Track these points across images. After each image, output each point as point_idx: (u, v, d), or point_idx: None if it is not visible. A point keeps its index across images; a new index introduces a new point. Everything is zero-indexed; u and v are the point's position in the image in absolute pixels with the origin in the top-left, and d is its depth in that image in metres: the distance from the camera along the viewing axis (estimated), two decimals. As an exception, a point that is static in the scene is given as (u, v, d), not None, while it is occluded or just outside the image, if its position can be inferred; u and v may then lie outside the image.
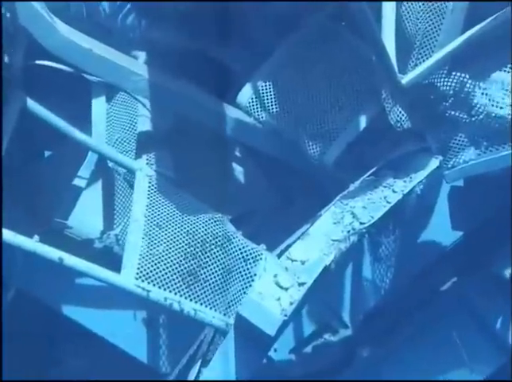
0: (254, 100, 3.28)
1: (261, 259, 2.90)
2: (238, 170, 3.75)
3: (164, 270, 2.71)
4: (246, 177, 3.72)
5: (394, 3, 2.77)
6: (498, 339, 3.63)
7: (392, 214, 3.02)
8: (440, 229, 3.57)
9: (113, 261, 2.87)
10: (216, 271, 2.84)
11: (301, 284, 2.43)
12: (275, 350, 3.51)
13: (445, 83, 2.84)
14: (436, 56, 2.73)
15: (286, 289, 2.41)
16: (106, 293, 3.19)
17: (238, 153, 3.77)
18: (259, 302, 2.33)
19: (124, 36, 3.80)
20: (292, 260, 2.49)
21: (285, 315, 2.34)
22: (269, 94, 3.27)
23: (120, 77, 2.99)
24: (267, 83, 3.27)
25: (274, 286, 2.41)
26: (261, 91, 3.27)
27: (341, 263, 2.93)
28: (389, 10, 2.76)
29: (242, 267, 2.89)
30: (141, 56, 3.57)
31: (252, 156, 3.67)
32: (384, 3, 2.78)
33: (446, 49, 2.72)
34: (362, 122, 3.08)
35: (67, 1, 3.64)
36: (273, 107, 3.25)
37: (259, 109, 3.28)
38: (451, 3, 2.89)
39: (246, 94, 3.31)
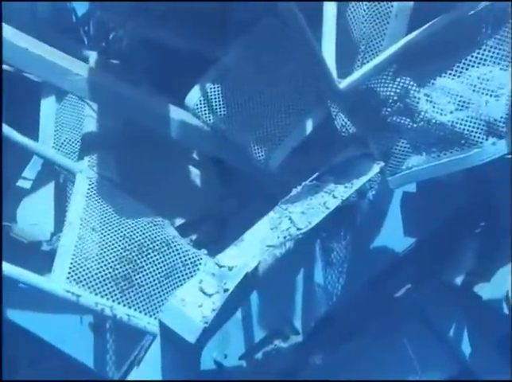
0: (202, 103, 3.25)
1: (200, 264, 2.85)
2: (195, 173, 3.71)
3: (96, 274, 2.68)
4: (203, 181, 3.69)
5: (336, 7, 2.73)
6: (450, 347, 3.61)
7: (337, 218, 2.99)
8: (393, 236, 3.55)
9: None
10: (153, 276, 2.80)
11: (226, 290, 2.39)
12: (225, 356, 3.49)
13: (387, 89, 2.81)
14: (373, 62, 2.70)
15: (210, 295, 2.37)
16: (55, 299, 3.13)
17: (195, 157, 3.74)
18: (180, 309, 2.29)
19: (93, 39, 3.78)
20: (220, 266, 2.46)
21: (206, 322, 2.31)
22: (217, 97, 3.25)
23: (57, 76, 2.94)
24: (215, 86, 3.24)
25: (198, 293, 2.37)
26: (209, 94, 3.24)
27: (285, 266, 2.90)
28: (329, 13, 2.73)
29: (181, 271, 2.86)
30: (92, 55, 3.54)
31: (208, 160, 3.64)
32: (325, 6, 2.74)
33: (384, 55, 2.69)
34: (309, 126, 3.05)
35: (52, 1, 3.62)
36: (221, 110, 3.22)
37: (207, 112, 3.25)
38: (395, 8, 2.85)
39: (194, 96, 3.29)
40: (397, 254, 3.56)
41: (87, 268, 2.65)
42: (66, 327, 3.37)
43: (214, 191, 3.62)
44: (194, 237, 3.52)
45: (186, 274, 2.84)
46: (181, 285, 2.80)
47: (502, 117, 2.71)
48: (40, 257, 3.24)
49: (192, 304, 2.32)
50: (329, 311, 3.54)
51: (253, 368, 3.48)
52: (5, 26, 2.85)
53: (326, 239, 3.51)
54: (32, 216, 3.42)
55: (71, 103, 3.47)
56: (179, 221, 3.53)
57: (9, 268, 2.52)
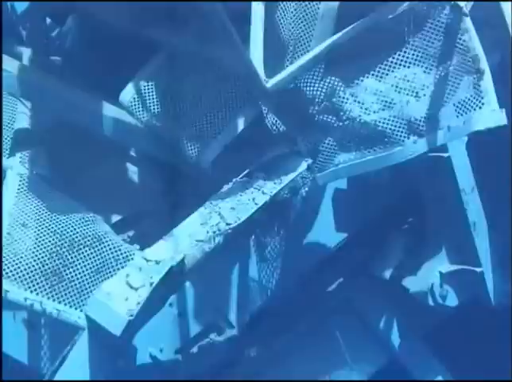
0: (136, 100, 3.28)
1: (132, 259, 2.89)
2: (132, 170, 3.73)
3: (25, 269, 2.68)
4: (138, 178, 3.71)
5: (264, 7, 2.80)
6: (379, 339, 3.72)
7: (268, 214, 3.06)
8: (325, 231, 3.63)
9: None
10: (84, 271, 2.83)
11: (152, 284, 2.43)
12: (161, 350, 3.52)
13: (314, 88, 2.89)
14: (299, 61, 2.79)
15: (136, 289, 2.41)
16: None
17: (132, 153, 3.76)
18: (105, 302, 2.33)
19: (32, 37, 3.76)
20: (148, 260, 2.50)
21: (131, 315, 2.35)
22: (151, 94, 3.28)
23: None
24: (149, 83, 3.27)
25: (125, 286, 2.41)
26: (143, 91, 3.27)
27: (220, 261, 2.96)
28: (257, 14, 2.80)
29: (113, 267, 2.89)
30: (26, 52, 3.53)
31: (145, 157, 3.66)
32: (253, 7, 2.81)
33: (310, 54, 2.77)
34: (240, 124, 3.11)
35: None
36: (155, 107, 3.26)
37: (141, 109, 3.28)
38: (321, 10, 2.94)
39: (128, 93, 3.31)
40: (330, 249, 3.65)
41: (16, 263, 2.66)
42: (-2, 324, 3.34)
43: (151, 187, 3.65)
44: (131, 233, 3.54)
45: (118, 269, 2.87)
46: (114, 279, 2.81)
47: (422, 116, 2.82)
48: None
49: (117, 297, 2.36)
50: (263, 305, 3.59)
51: (188, 362, 3.52)
52: None
53: (260, 234, 3.57)
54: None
55: (5, 100, 3.45)
56: (116, 218, 3.55)
57: None
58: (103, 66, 3.62)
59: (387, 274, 3.59)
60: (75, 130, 3.41)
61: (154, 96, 3.24)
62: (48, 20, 3.95)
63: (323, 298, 3.71)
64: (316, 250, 3.65)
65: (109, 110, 3.20)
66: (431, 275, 3.48)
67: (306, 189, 3.45)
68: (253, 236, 3.58)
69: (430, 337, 3.76)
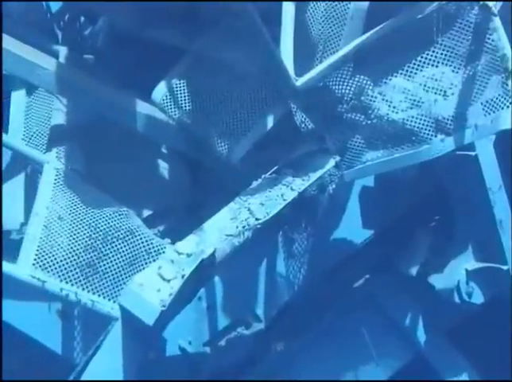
0: (168, 97, 3.35)
1: (164, 252, 2.96)
2: (163, 166, 3.81)
3: (62, 261, 2.78)
4: (170, 174, 3.78)
5: (294, 6, 2.86)
6: (404, 335, 3.75)
7: (296, 210, 3.12)
8: (351, 228, 3.67)
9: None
10: (117, 264, 2.91)
11: (184, 276, 2.50)
12: (190, 343, 3.59)
13: (343, 87, 2.94)
14: (329, 61, 2.84)
15: (168, 281, 2.49)
16: (21, 284, 3.22)
17: (163, 150, 3.84)
18: (138, 293, 2.41)
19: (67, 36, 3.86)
20: (179, 253, 2.57)
21: (164, 306, 2.42)
22: (182, 92, 3.35)
23: (25, 70, 3.03)
24: (181, 82, 3.34)
25: (157, 278, 2.49)
26: (175, 89, 3.34)
27: (248, 256, 3.02)
28: (288, 13, 2.85)
29: (145, 259, 2.96)
30: (62, 51, 3.62)
31: (175, 153, 3.74)
32: (284, 6, 2.87)
33: (339, 54, 2.82)
34: (269, 122, 3.16)
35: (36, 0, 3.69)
36: (186, 104, 3.33)
37: (172, 106, 3.35)
38: (351, 9, 2.99)
39: (160, 91, 3.39)
40: (356, 245, 3.69)
41: (53, 255, 2.75)
42: (35, 314, 3.44)
43: (181, 183, 3.72)
44: (161, 228, 3.61)
45: (150, 262, 2.95)
46: (146, 272, 2.89)
47: (449, 115, 2.86)
48: (11, 246, 3.30)
49: (150, 288, 2.44)
50: (290, 300, 3.64)
51: (216, 355, 3.58)
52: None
53: (288, 231, 3.62)
54: (3, 206, 3.48)
55: (41, 97, 3.55)
56: (146, 212, 3.63)
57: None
58: (134, 65, 3.69)
59: (413, 271, 3.62)
60: (109, 127, 3.49)
61: (185, 94, 3.31)
62: (82, 19, 4.03)
63: (349, 293, 3.74)
64: (343, 246, 3.69)
65: (142, 107, 3.27)
66: (457, 273, 3.51)
67: (333, 186, 3.49)
68: (280, 232, 3.63)
69: (455, 333, 3.77)
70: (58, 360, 3.49)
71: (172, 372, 3.57)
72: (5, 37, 2.99)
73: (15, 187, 3.57)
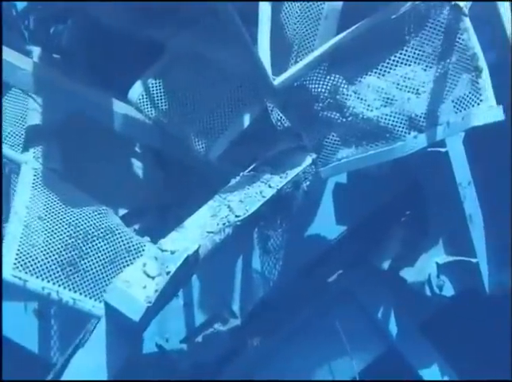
0: (145, 97, 3.37)
1: (143, 250, 2.99)
2: (137, 165, 3.82)
3: (43, 260, 2.78)
4: (144, 172, 3.79)
5: (270, 6, 2.91)
6: (377, 328, 3.83)
7: (272, 207, 3.17)
8: (325, 224, 3.74)
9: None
10: (98, 262, 2.92)
11: (168, 273, 2.54)
12: (167, 340, 3.62)
13: (319, 85, 3.00)
14: (305, 60, 2.90)
15: (153, 277, 2.52)
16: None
17: (137, 149, 3.85)
18: (124, 290, 2.43)
19: (34, 33, 3.83)
20: (163, 250, 2.60)
21: (149, 302, 2.45)
22: (159, 91, 3.37)
23: (4, 71, 3.02)
24: (157, 81, 3.36)
25: (142, 275, 2.52)
26: (151, 88, 3.36)
27: (225, 253, 3.06)
28: (264, 13, 2.90)
29: (125, 257, 2.98)
30: (35, 51, 3.61)
31: (150, 152, 3.75)
32: (260, 6, 2.91)
33: (314, 53, 2.88)
34: (246, 120, 3.21)
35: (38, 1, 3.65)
36: (163, 104, 3.34)
37: (149, 105, 3.37)
38: (325, 9, 3.05)
39: (136, 90, 3.40)
40: (330, 241, 3.77)
41: (34, 254, 2.75)
42: (10, 314, 3.43)
43: (155, 182, 3.74)
44: (137, 226, 3.63)
45: (130, 259, 2.97)
46: (126, 270, 2.91)
47: (422, 112, 2.94)
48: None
49: (135, 285, 2.46)
50: (266, 296, 3.69)
51: (193, 351, 3.62)
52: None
53: (263, 227, 3.67)
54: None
55: (14, 97, 3.52)
56: (122, 211, 3.64)
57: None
58: (107, 64, 3.69)
59: (386, 265, 3.71)
60: (84, 126, 3.49)
61: (162, 93, 3.32)
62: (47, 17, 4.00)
63: (323, 288, 3.81)
64: (317, 242, 3.76)
65: (119, 106, 3.29)
66: (428, 266, 3.60)
67: (307, 183, 3.55)
68: (256, 229, 3.68)
69: (427, 326, 3.87)
70: (35, 359, 3.48)
71: (150, 370, 3.58)
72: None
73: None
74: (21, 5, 3.94)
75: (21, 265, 2.71)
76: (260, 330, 3.73)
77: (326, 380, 3.68)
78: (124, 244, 2.98)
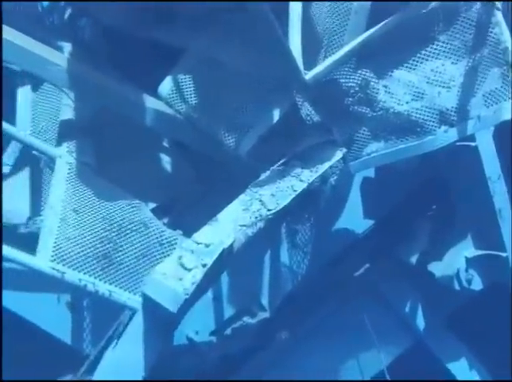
0: (174, 92, 3.40)
1: (176, 243, 3.03)
2: (166, 160, 3.86)
3: (79, 253, 2.83)
4: (173, 167, 3.84)
5: (301, 4, 2.94)
6: (405, 322, 3.84)
7: (301, 201, 3.20)
8: (353, 218, 3.76)
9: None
10: (132, 255, 2.97)
11: (204, 265, 2.58)
12: (196, 332, 3.66)
13: (349, 80, 3.02)
14: (336, 55, 2.92)
15: (189, 270, 2.56)
16: (31, 277, 3.27)
17: (165, 144, 3.89)
18: (162, 281, 2.47)
19: (59, 28, 3.88)
20: (198, 243, 2.64)
21: (187, 294, 2.49)
22: (188, 86, 3.39)
23: (37, 66, 3.07)
24: (187, 76, 3.39)
25: (178, 267, 2.56)
26: (181, 84, 3.39)
27: (253, 247, 3.09)
28: (296, 11, 2.93)
29: (158, 250, 3.02)
30: (66, 46, 3.66)
31: (179, 146, 3.79)
32: (291, 3, 2.94)
33: (346, 48, 2.91)
34: (275, 115, 3.23)
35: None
36: (192, 99, 3.37)
37: (179, 101, 3.40)
38: (355, 4, 3.07)
39: (166, 86, 3.43)
40: (357, 235, 3.78)
41: (71, 247, 2.81)
42: (44, 306, 3.49)
43: (183, 176, 3.78)
44: (165, 221, 3.67)
45: (163, 252, 3.01)
46: (158, 263, 2.96)
47: (453, 106, 2.95)
48: (18, 239, 3.34)
49: (172, 277, 2.51)
50: (294, 289, 3.72)
51: (222, 344, 3.66)
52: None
53: (291, 221, 3.70)
54: (10, 200, 3.52)
55: (47, 93, 3.58)
56: (151, 206, 3.68)
57: (-2, 247, 2.66)
58: (136, 60, 3.73)
59: (413, 259, 3.71)
60: (112, 121, 3.54)
61: (192, 88, 3.35)
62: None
63: (350, 282, 3.82)
64: (344, 236, 3.78)
65: (150, 101, 3.32)
66: (457, 260, 3.61)
67: (335, 177, 3.57)
68: (284, 223, 3.70)
69: (454, 320, 3.87)
70: (68, 350, 3.53)
71: (180, 362, 3.63)
72: (18, 34, 3.02)
73: (20, 182, 3.60)
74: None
75: (59, 257, 2.76)
76: (287, 323, 3.76)
77: (354, 380, 3.69)
78: (157, 237, 3.03)
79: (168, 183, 3.75)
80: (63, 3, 3.87)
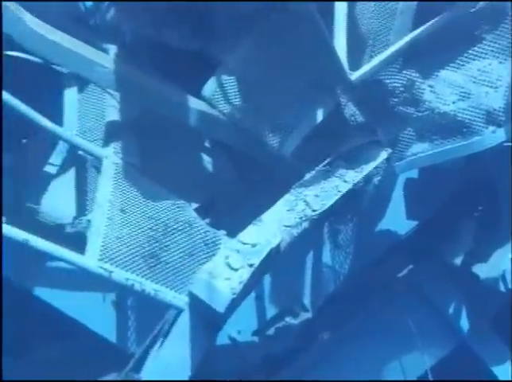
0: (218, 93, 3.41)
1: (220, 243, 3.05)
2: (207, 160, 3.89)
3: (126, 252, 2.86)
4: (214, 167, 3.86)
5: (346, 4, 2.93)
6: (449, 324, 3.81)
7: (345, 202, 3.19)
8: (396, 218, 3.75)
9: (84, 245, 2.98)
10: (177, 254, 2.99)
11: (251, 265, 2.59)
12: (239, 332, 3.68)
13: (395, 80, 3.01)
14: (382, 55, 2.91)
15: (236, 270, 2.57)
16: (77, 276, 3.33)
17: (207, 144, 3.92)
18: (209, 281, 2.49)
19: (102, 30, 3.93)
20: (244, 243, 2.66)
21: (234, 293, 2.51)
22: (232, 87, 3.41)
23: (84, 68, 3.12)
24: (230, 77, 3.41)
25: (225, 267, 2.57)
26: (224, 85, 3.41)
27: (296, 247, 3.10)
28: (341, 11, 2.92)
29: (203, 250, 3.05)
30: (112, 49, 3.70)
31: (220, 147, 3.81)
32: (336, 4, 2.94)
33: (392, 48, 2.89)
34: (319, 115, 3.23)
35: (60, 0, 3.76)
36: (236, 99, 3.39)
37: (223, 102, 3.41)
38: (401, 5, 3.05)
39: (210, 87, 3.45)
40: (400, 236, 3.76)
41: (118, 246, 2.85)
42: (89, 304, 3.55)
43: (224, 177, 3.80)
44: (207, 221, 3.69)
45: (207, 252, 3.03)
46: (203, 263, 2.98)
47: (500, 107, 2.92)
48: (64, 239, 3.40)
49: (220, 277, 2.53)
50: (336, 289, 3.72)
51: (265, 344, 3.67)
52: (35, 20, 3.02)
53: (334, 221, 3.69)
54: (56, 200, 3.58)
55: (93, 94, 3.63)
56: (193, 206, 3.71)
57: (47, 245, 2.71)
58: (165, 60, 3.75)
59: (458, 260, 3.68)
60: (155, 122, 3.57)
61: (236, 89, 3.36)
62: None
63: (393, 283, 3.80)
64: (387, 237, 3.76)
65: (194, 102, 3.35)
66: (502, 262, 3.56)
67: (379, 177, 3.55)
68: (327, 224, 3.70)
69: (499, 322, 3.82)
70: (112, 349, 3.58)
71: (222, 362, 3.65)
72: (65, 36, 3.07)
73: (66, 182, 3.66)
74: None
75: (107, 257, 2.80)
76: (329, 324, 3.75)
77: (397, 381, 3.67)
78: (201, 237, 3.05)
79: (209, 183, 3.77)
80: (106, 3, 3.90)
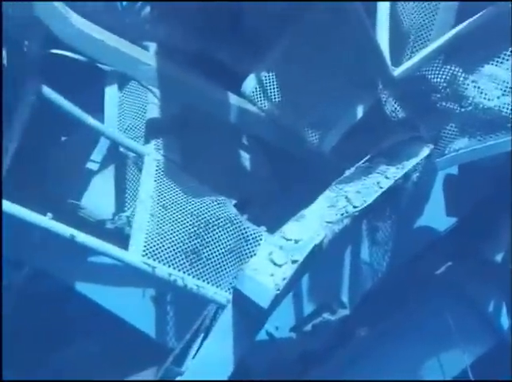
0: (258, 90, 3.43)
1: (261, 239, 3.07)
2: (245, 157, 3.91)
3: (169, 248, 2.89)
4: (251, 164, 3.88)
5: (389, 2, 2.93)
6: (489, 321, 3.78)
7: (385, 198, 3.18)
8: (435, 215, 3.72)
9: (124, 241, 3.03)
10: (218, 250, 3.02)
11: (294, 261, 2.60)
12: (276, 328, 3.69)
13: (437, 76, 2.99)
14: (425, 51, 2.90)
15: (280, 266, 2.58)
16: (117, 271, 3.37)
17: (244, 141, 3.93)
18: (254, 277, 2.50)
19: (138, 28, 3.96)
20: (287, 239, 2.66)
21: (278, 289, 2.52)
22: (271, 84, 3.42)
23: (130, 66, 3.15)
24: (270, 74, 3.42)
25: (269, 263, 2.58)
26: (264, 81, 3.42)
27: (335, 244, 3.10)
28: (384, 8, 2.91)
29: (243, 246, 3.07)
30: (152, 46, 3.73)
31: (257, 144, 3.83)
32: (379, 2, 2.93)
33: (435, 44, 2.88)
34: (359, 111, 3.22)
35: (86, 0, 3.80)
36: (276, 96, 3.39)
37: (262, 98, 3.42)
38: (443, 2, 3.03)
39: (250, 84, 3.46)
40: (440, 233, 3.74)
41: (161, 242, 2.87)
42: (129, 300, 3.58)
43: (261, 174, 3.81)
44: (245, 217, 3.71)
45: (248, 248, 3.06)
46: (244, 259, 3.01)
47: (545, 102, 2.88)
48: (105, 235, 3.44)
49: (264, 273, 2.53)
50: (374, 286, 3.71)
51: (302, 340, 3.67)
52: (81, 20, 3.06)
53: (373, 218, 3.68)
54: (97, 196, 3.63)
55: (134, 91, 3.67)
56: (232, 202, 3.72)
57: (93, 241, 2.75)
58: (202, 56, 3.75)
59: (498, 258, 3.64)
60: (194, 119, 3.59)
61: (275, 86, 3.37)
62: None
63: (432, 280, 3.78)
64: (427, 234, 3.73)
65: (234, 99, 3.36)
66: (543, 259, 3.52)
67: (417, 174, 3.53)
68: (365, 220, 3.69)
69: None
70: (151, 344, 3.61)
71: (259, 358, 3.66)
72: (109, 34, 3.10)
73: (106, 179, 3.70)
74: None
75: (150, 252, 2.83)
76: (367, 321, 3.74)
77: (435, 380, 3.65)
78: (242, 233, 3.07)
79: (246, 180, 3.78)
80: (139, 3, 3.93)
